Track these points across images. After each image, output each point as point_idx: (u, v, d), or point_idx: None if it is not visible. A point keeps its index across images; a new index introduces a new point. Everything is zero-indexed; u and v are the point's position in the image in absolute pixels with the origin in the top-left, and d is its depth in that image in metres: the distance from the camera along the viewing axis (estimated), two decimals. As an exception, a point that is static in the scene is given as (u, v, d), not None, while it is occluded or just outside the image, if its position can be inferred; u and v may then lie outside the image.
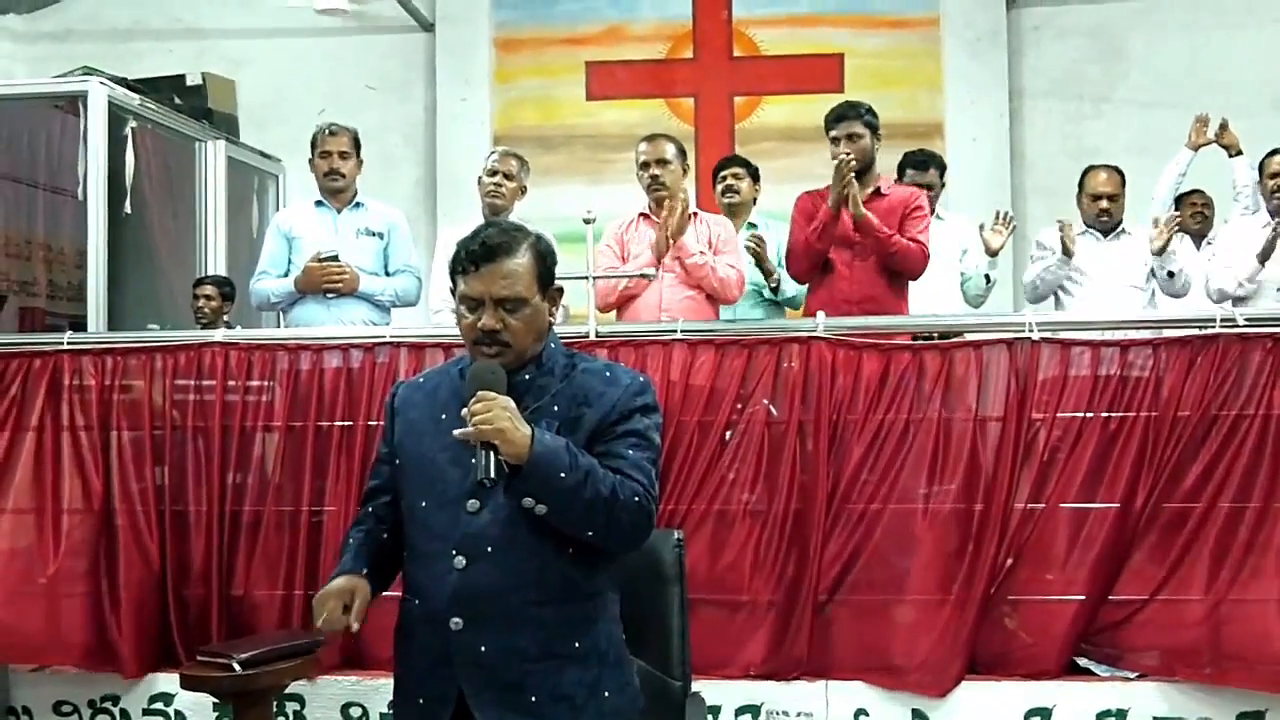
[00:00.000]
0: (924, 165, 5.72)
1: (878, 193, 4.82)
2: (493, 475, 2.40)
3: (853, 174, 4.64)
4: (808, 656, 3.91)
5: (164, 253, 6.45)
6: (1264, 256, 5.28)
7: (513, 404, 2.43)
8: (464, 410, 2.43)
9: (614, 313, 4.94)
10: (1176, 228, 5.33)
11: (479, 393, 2.43)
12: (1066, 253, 5.37)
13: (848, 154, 4.65)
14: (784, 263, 5.05)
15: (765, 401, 4.01)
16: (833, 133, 4.77)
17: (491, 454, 2.39)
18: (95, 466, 4.18)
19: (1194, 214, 6.16)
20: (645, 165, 4.91)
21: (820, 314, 4.10)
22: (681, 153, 4.96)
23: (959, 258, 5.66)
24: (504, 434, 2.39)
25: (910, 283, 4.89)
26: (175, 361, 4.22)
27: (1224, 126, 5.96)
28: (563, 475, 2.41)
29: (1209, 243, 6.00)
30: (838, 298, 4.63)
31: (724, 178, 5.66)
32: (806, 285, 5.10)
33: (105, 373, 4.23)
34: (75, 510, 4.20)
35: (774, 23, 7.88)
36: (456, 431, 2.44)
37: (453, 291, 2.62)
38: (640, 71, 7.95)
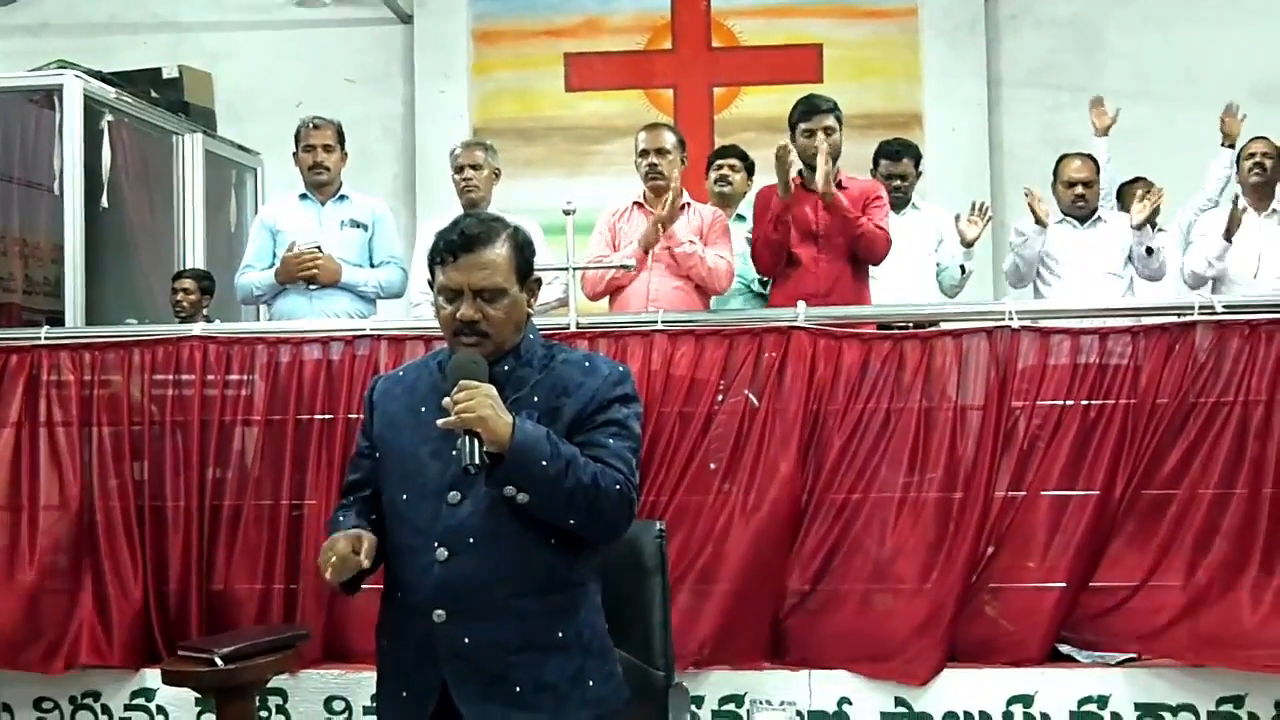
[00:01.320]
0: (898, 155, 5.70)
1: (839, 185, 4.82)
2: (477, 461, 2.39)
3: (794, 162, 4.65)
4: (790, 646, 3.92)
5: (142, 247, 6.41)
6: (1229, 234, 5.35)
7: (495, 392, 2.43)
8: (446, 399, 2.42)
9: (605, 301, 4.93)
10: (1160, 200, 5.35)
11: (461, 381, 2.43)
12: (1039, 223, 5.39)
13: (822, 146, 4.67)
14: (750, 258, 5.06)
15: (746, 392, 4.02)
16: (806, 126, 4.74)
17: (475, 441, 2.39)
18: (73, 463, 4.16)
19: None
20: (644, 153, 4.90)
21: (801, 304, 4.10)
22: (681, 144, 4.95)
23: (934, 248, 5.67)
24: (486, 421, 2.38)
25: (874, 273, 4.91)
26: (153, 356, 4.21)
27: (1231, 114, 5.95)
28: (544, 463, 2.41)
29: (1161, 230, 6.03)
30: (804, 291, 4.61)
31: (719, 167, 5.65)
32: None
33: (83, 368, 4.21)
34: (53, 506, 4.18)
35: (752, 13, 7.88)
36: (440, 421, 2.43)
37: (431, 284, 2.62)
38: (619, 63, 7.94)
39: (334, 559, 2.47)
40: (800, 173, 4.79)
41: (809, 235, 4.75)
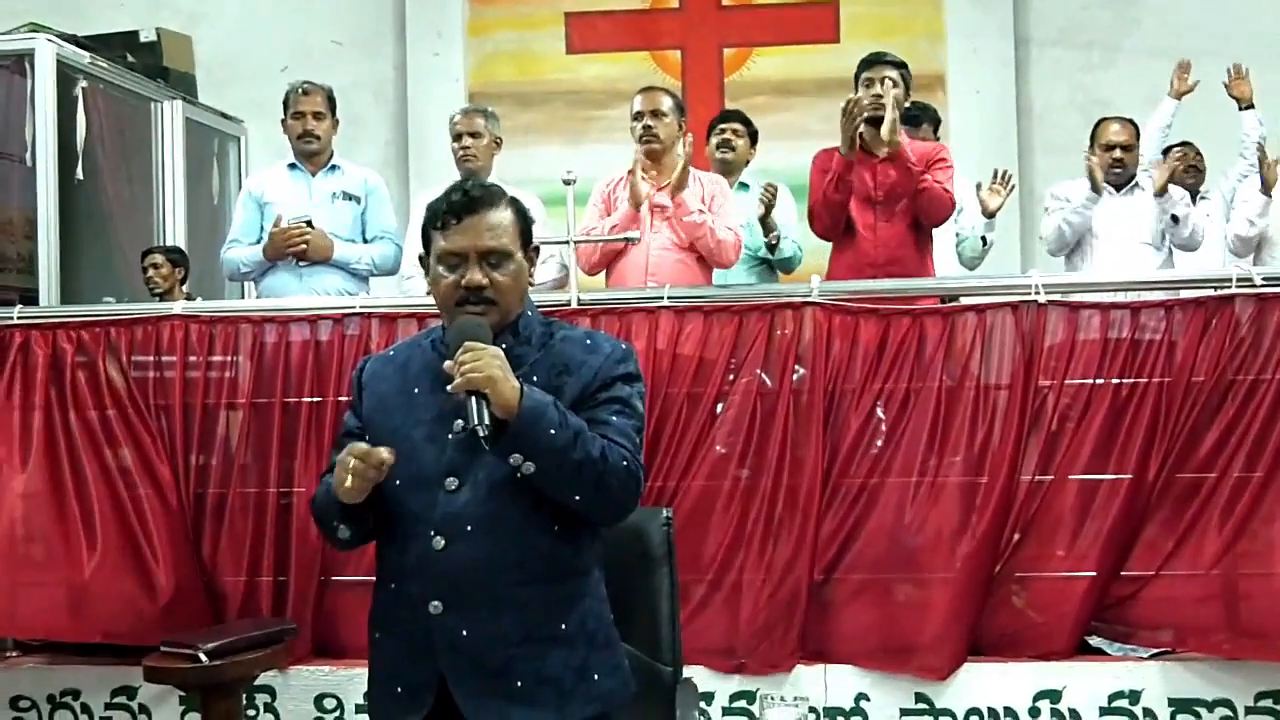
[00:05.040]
0: (916, 120, 5.63)
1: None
2: (487, 422, 2.38)
3: (862, 114, 4.63)
4: (805, 640, 3.93)
5: (119, 221, 6.42)
6: (1266, 188, 5.42)
7: (502, 354, 2.43)
8: (448, 363, 2.42)
9: (602, 276, 4.93)
10: (1178, 166, 5.36)
11: (466, 343, 2.43)
12: (1095, 189, 5.40)
13: (878, 96, 4.67)
14: (807, 222, 5.06)
15: (758, 371, 4.02)
16: (868, 75, 4.74)
17: (484, 404, 2.39)
18: (47, 448, 4.17)
19: (1185, 168, 6.18)
20: (638, 116, 4.91)
21: (815, 277, 4.11)
22: (679, 108, 4.96)
23: (954, 217, 5.65)
24: (495, 382, 2.38)
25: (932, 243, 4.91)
26: (132, 336, 4.22)
27: (1239, 74, 5.97)
28: (553, 432, 2.41)
29: (1204, 197, 6.04)
30: (861, 261, 4.64)
31: (721, 131, 5.66)
32: (803, 247, 5.20)
33: (58, 348, 4.22)
34: (31, 494, 4.17)
35: (764, -32, 7.85)
36: (449, 386, 2.41)
37: (421, 259, 2.63)
38: (623, 22, 7.91)
39: (353, 462, 2.43)
40: (860, 134, 4.77)
41: (867, 202, 4.75)
